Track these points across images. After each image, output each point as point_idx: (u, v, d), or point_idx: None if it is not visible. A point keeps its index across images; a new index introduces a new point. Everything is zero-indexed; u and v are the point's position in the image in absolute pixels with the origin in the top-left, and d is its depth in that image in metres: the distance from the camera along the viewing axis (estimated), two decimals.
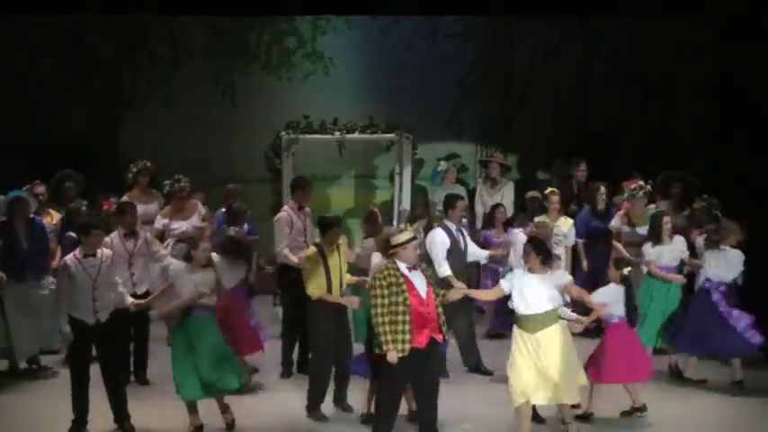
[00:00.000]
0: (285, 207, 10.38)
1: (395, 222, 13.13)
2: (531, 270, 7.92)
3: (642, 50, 13.77)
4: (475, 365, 9.94)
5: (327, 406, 8.84)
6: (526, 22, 14.01)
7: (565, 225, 11.26)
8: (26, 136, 12.90)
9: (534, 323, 7.82)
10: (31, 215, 10.01)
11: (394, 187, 13.35)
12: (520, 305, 7.86)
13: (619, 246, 10.89)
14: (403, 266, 7.80)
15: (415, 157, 13.22)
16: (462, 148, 14.09)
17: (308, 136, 12.80)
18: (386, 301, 7.69)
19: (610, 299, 8.50)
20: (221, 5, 12.81)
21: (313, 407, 8.80)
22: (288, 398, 9.25)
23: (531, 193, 12.38)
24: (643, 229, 10.66)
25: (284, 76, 14.05)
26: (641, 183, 10.88)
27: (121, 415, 8.37)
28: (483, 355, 10.01)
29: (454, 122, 14.18)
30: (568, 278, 8.17)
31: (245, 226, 11.06)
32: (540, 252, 7.94)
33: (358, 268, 9.66)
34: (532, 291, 7.83)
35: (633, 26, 13.72)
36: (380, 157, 13.95)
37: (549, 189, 11.48)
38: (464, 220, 11.58)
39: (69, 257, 8.32)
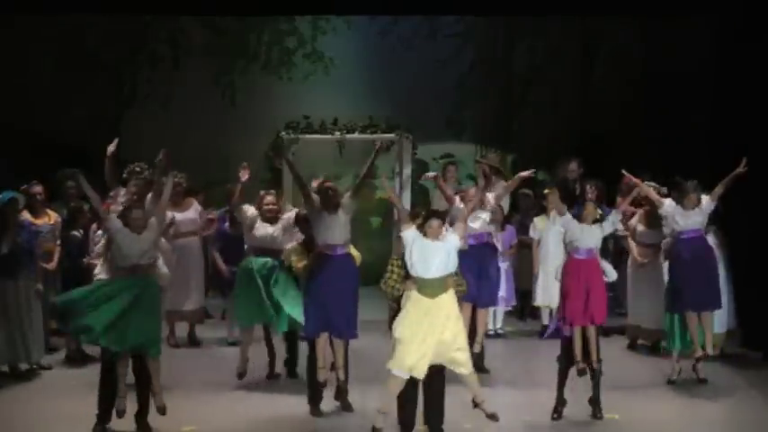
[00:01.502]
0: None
1: (394, 222, 13.14)
2: (428, 235, 7.73)
3: (642, 50, 13.76)
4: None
5: (328, 404, 8.85)
6: (526, 22, 14.01)
7: None
8: (26, 136, 12.89)
9: (433, 288, 7.70)
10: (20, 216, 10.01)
11: (394, 187, 13.33)
12: (420, 269, 7.71)
13: (632, 245, 10.84)
14: None
15: (415, 157, 13.23)
16: (462, 148, 14.10)
17: (307, 136, 12.81)
18: (396, 270, 7.98)
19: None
20: (221, 5, 12.80)
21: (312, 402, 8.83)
22: (285, 397, 9.26)
23: (522, 191, 12.41)
24: (658, 232, 10.65)
25: (284, 76, 14.06)
26: (654, 184, 10.84)
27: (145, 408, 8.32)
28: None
29: (454, 122, 14.19)
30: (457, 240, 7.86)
31: None
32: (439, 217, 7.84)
33: None
34: (434, 255, 7.70)
35: (633, 26, 13.72)
36: (380, 157, 13.91)
37: (549, 189, 11.47)
38: None
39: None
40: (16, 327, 9.80)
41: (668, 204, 9.64)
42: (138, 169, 11.27)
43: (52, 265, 10.30)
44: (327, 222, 8.59)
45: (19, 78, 13.18)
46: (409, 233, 7.76)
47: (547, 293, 11.26)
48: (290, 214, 9.65)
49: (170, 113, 13.75)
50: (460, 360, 7.73)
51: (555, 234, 11.21)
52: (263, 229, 9.55)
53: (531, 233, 11.41)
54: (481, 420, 8.54)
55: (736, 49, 11.78)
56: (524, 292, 11.86)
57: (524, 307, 12.07)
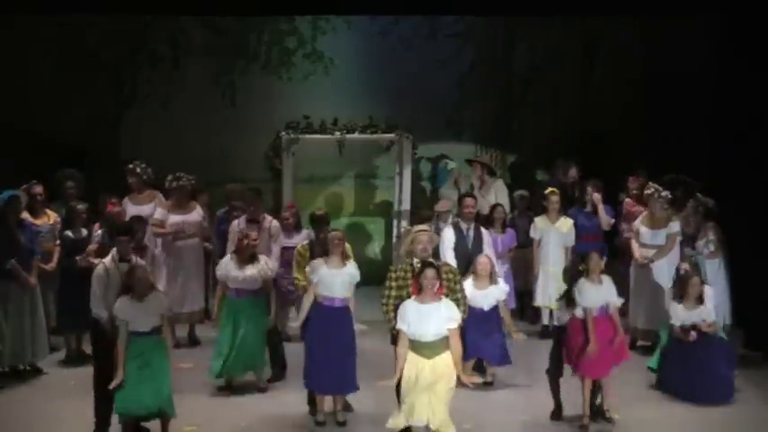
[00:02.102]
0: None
1: (394, 222, 13.13)
2: (423, 288, 7.62)
3: (642, 50, 13.76)
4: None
5: (328, 404, 8.82)
6: (526, 22, 13.99)
7: (564, 225, 11.27)
8: (26, 136, 12.89)
9: (431, 350, 7.59)
10: (21, 216, 10.00)
11: (394, 187, 13.34)
12: (416, 332, 7.58)
13: (634, 246, 10.85)
14: (416, 263, 7.94)
15: (415, 157, 13.23)
16: (462, 148, 14.08)
17: (307, 136, 12.80)
18: (393, 293, 7.93)
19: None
20: (221, 5, 12.81)
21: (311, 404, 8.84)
22: (285, 397, 9.25)
23: (519, 192, 12.44)
24: (661, 233, 10.66)
25: (284, 76, 14.04)
26: (657, 186, 10.84)
27: None
28: None
29: (454, 122, 14.18)
30: (457, 319, 7.73)
31: None
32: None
33: None
34: (429, 318, 7.58)
35: (633, 26, 13.71)
36: (380, 157, 13.95)
37: (550, 189, 11.48)
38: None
39: (107, 260, 8.26)
40: (21, 327, 9.80)
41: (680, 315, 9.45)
42: (131, 166, 11.31)
43: (51, 266, 10.29)
44: (330, 276, 8.48)
45: (19, 78, 13.17)
46: (404, 312, 7.60)
47: (546, 294, 11.26)
48: (268, 265, 9.56)
49: (170, 113, 13.74)
50: (437, 412, 7.56)
51: (555, 234, 11.24)
52: (237, 272, 9.38)
53: (532, 233, 11.41)
54: (481, 421, 8.57)
55: (736, 49, 11.78)
56: (524, 293, 11.85)
57: (524, 307, 12.05)
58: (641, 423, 8.71)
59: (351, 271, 8.57)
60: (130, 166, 11.30)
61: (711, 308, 9.49)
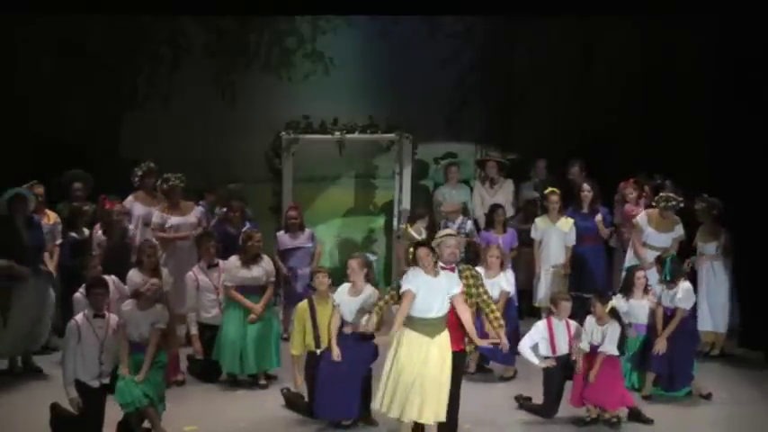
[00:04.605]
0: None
1: (395, 222, 13.15)
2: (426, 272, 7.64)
3: (642, 50, 13.75)
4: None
5: None
6: (526, 22, 13.98)
7: (565, 225, 11.27)
8: (26, 136, 12.88)
9: (433, 327, 7.61)
10: (30, 213, 10.00)
11: (394, 187, 13.34)
12: (424, 308, 7.59)
13: (636, 243, 10.86)
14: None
15: (415, 157, 13.23)
16: (462, 148, 14.08)
17: (307, 136, 12.82)
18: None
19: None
20: (221, 5, 12.80)
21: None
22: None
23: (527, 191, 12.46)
24: (667, 236, 10.67)
25: (284, 76, 14.03)
26: (673, 195, 10.85)
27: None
28: None
29: (454, 122, 14.16)
30: (458, 289, 7.79)
31: (246, 225, 11.10)
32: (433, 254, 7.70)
33: None
34: (436, 294, 7.61)
35: (633, 26, 13.70)
36: (380, 157, 13.94)
37: (550, 189, 11.49)
38: (468, 222, 11.70)
39: (79, 317, 8.19)
40: (31, 322, 9.83)
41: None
42: (152, 165, 11.35)
43: (51, 266, 10.29)
44: (347, 302, 8.47)
45: (19, 78, 13.16)
46: (415, 278, 7.60)
47: (547, 294, 11.26)
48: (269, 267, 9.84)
49: (170, 113, 13.73)
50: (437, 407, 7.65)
51: (556, 234, 11.24)
52: (243, 272, 9.66)
53: (533, 233, 11.42)
54: (481, 420, 8.57)
55: (737, 48, 11.78)
56: (524, 292, 11.84)
57: (524, 307, 12.04)
58: (641, 423, 8.71)
59: (360, 298, 8.44)
60: (152, 165, 11.45)
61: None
